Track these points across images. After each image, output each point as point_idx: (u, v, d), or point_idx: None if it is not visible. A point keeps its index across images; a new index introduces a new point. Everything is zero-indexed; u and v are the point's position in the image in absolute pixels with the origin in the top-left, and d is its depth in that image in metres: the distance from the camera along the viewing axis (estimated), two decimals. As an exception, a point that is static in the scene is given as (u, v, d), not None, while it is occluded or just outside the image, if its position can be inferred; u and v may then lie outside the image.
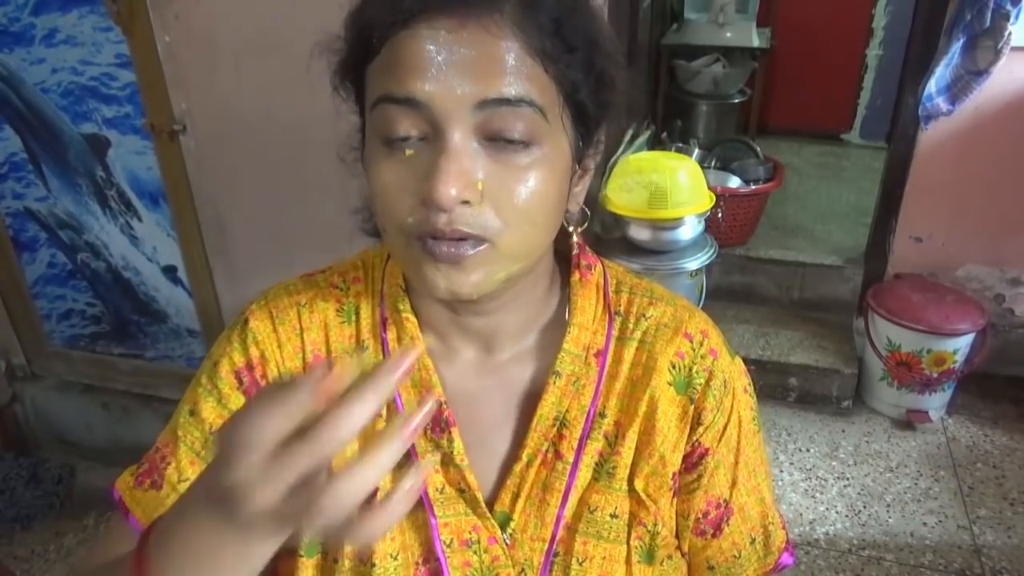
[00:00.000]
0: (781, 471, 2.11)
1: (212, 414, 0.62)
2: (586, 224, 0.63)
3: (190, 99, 1.59)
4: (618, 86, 0.55)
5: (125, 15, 1.50)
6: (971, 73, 2.05)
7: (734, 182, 2.68)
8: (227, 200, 1.70)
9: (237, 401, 0.62)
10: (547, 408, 0.60)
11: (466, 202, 0.49)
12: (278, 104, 1.51)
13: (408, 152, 0.50)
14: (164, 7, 1.49)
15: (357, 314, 0.63)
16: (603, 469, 0.62)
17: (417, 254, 0.51)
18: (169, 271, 1.87)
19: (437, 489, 0.60)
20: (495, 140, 0.49)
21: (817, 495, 2.03)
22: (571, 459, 0.61)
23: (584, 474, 0.61)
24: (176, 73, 1.56)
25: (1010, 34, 1.95)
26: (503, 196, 0.50)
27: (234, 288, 1.81)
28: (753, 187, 2.64)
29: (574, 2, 0.53)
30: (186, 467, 0.61)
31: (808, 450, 2.20)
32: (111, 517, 0.63)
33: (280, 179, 1.62)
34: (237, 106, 1.56)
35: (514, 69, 0.48)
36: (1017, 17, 1.94)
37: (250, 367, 0.62)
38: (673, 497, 0.64)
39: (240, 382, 0.62)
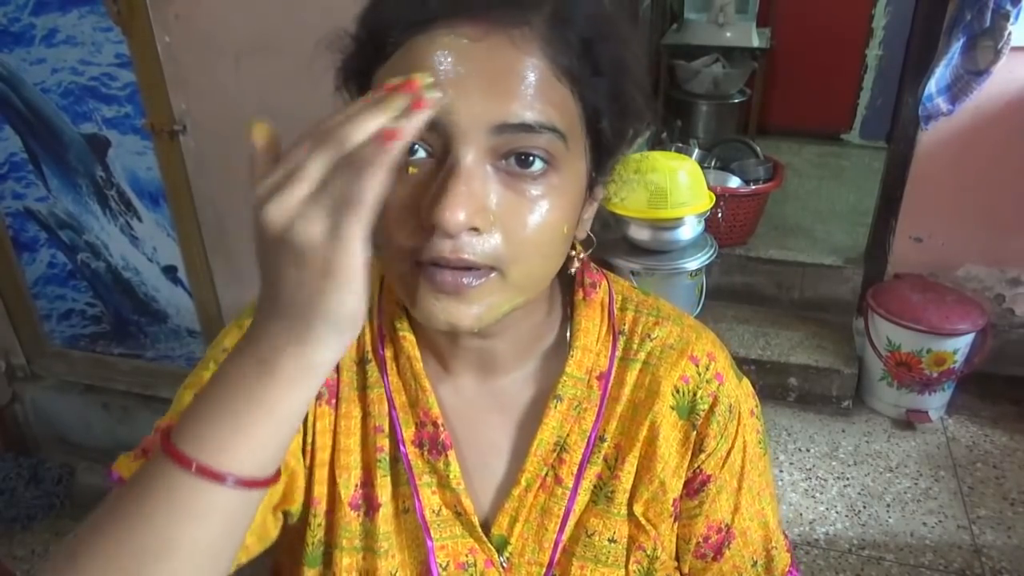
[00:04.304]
0: (781, 471, 2.11)
1: None
2: (591, 250, 0.60)
3: (190, 99, 1.59)
4: (642, 118, 0.53)
5: (125, 15, 1.50)
6: (971, 73, 2.05)
7: (734, 182, 2.67)
8: (227, 200, 1.70)
9: None
10: (547, 433, 0.59)
11: (475, 229, 0.45)
12: (278, 104, 1.51)
13: (412, 170, 0.46)
14: (164, 7, 1.49)
15: None
16: (602, 493, 0.60)
17: (415, 281, 0.47)
18: (169, 271, 1.87)
19: (434, 511, 0.59)
20: (510, 165, 0.46)
21: (817, 495, 2.03)
22: (571, 484, 0.59)
23: (582, 498, 0.60)
24: (176, 73, 1.56)
25: (1010, 34, 1.95)
26: (514, 225, 0.46)
27: (234, 288, 1.81)
28: (753, 187, 2.64)
29: (608, 25, 0.49)
30: None
31: (808, 450, 2.20)
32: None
33: (280, 179, 1.62)
34: (237, 106, 1.56)
35: (538, 90, 0.45)
36: (1017, 17, 1.93)
37: None
38: (674, 522, 0.63)
39: None
